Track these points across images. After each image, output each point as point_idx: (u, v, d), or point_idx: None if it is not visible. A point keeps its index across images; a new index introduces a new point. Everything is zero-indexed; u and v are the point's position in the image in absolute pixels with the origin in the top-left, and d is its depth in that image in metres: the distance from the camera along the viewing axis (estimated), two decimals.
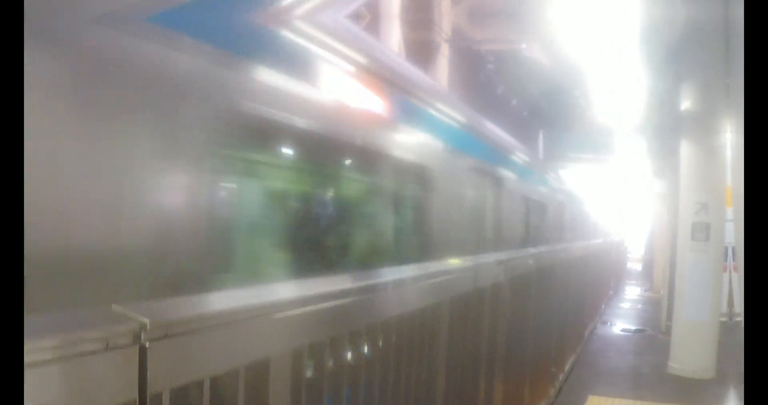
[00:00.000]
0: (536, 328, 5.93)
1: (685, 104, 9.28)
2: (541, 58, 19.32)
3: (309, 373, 2.13)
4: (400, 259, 4.75)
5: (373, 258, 4.57)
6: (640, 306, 18.11)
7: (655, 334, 12.65)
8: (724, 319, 10.60)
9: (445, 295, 3.31)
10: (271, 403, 1.85)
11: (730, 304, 13.15)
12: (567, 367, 8.69)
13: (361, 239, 4.66)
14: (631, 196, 31.93)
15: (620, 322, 14.52)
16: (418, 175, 5.27)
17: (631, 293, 21.83)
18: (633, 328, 13.68)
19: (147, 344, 1.37)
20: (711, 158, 9.02)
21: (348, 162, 4.50)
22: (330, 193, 4.48)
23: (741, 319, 10.79)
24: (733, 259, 11.74)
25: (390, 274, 2.98)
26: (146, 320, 1.38)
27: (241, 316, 1.72)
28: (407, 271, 3.15)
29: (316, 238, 4.21)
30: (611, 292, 18.84)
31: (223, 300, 1.90)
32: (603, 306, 15.73)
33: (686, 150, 9.27)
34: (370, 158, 4.46)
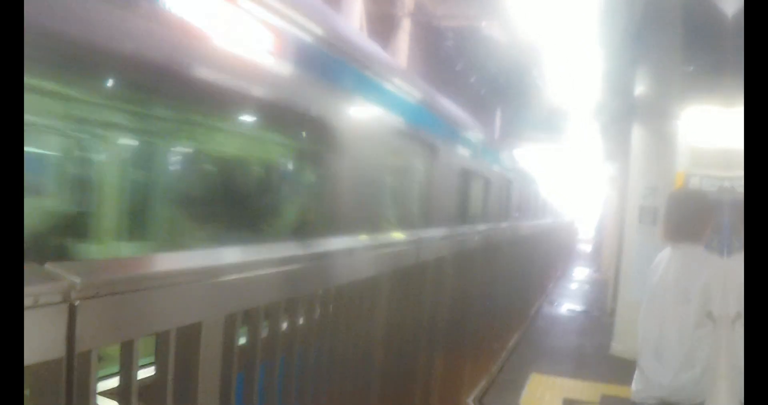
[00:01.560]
0: (480, 305, 5.98)
1: (640, 89, 9.36)
2: (500, 37, 19.33)
3: (243, 340, 2.12)
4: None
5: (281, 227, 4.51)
6: (587, 287, 18.38)
7: (600, 315, 12.83)
8: None
9: (386, 267, 3.32)
10: (202, 368, 1.86)
11: None
12: (511, 345, 8.80)
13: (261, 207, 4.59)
14: (583, 179, 32.28)
15: (567, 302, 14.73)
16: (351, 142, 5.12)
17: (580, 274, 22.14)
18: (579, 308, 13.89)
19: (76, 303, 1.38)
20: (662, 144, 9.14)
21: (273, 125, 4.36)
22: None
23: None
24: None
25: (330, 244, 2.99)
26: (77, 279, 1.40)
27: (174, 279, 1.73)
28: (348, 242, 3.14)
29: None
30: (559, 273, 19.09)
31: (157, 263, 1.93)
32: (550, 286, 15.94)
33: (638, 135, 9.38)
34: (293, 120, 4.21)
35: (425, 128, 6.72)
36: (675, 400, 3.62)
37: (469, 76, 23.70)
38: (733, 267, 3.23)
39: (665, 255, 3.93)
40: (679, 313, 3.63)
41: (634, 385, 3.93)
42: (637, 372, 3.93)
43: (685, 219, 3.83)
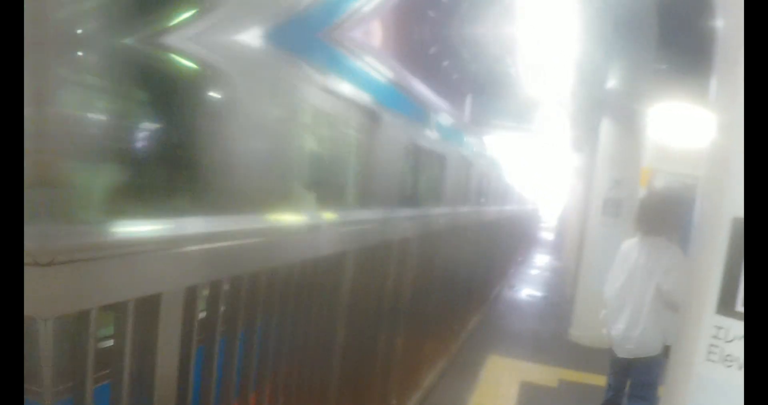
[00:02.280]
0: (442, 286, 6.04)
1: (611, 83, 9.53)
2: (477, 27, 19.38)
3: (204, 313, 2.09)
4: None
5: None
6: (547, 274, 18.61)
7: (559, 301, 13.02)
8: None
9: (352, 244, 3.33)
10: (161, 340, 1.83)
11: None
12: (470, 327, 8.93)
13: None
14: (549, 168, 32.51)
15: (527, 287, 14.92)
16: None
17: (541, 261, 22.36)
18: (539, 294, 14.11)
19: (32, 270, 1.35)
20: (629, 138, 9.32)
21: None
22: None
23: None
24: None
25: (295, 218, 2.97)
26: (33, 246, 1.36)
27: (133, 248, 1.68)
28: (315, 218, 3.16)
29: None
30: (521, 258, 19.29)
31: (116, 231, 1.82)
32: (511, 271, 16.11)
33: (606, 128, 9.56)
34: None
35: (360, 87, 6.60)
36: (629, 350, 5.00)
37: (441, 61, 23.73)
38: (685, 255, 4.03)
39: (633, 243, 5.08)
40: (643, 287, 4.80)
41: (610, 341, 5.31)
42: (608, 330, 5.24)
43: (655, 216, 4.92)
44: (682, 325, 2.75)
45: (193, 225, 2.17)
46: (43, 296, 1.39)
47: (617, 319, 5.03)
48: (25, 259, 1.34)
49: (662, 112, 11.14)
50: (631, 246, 5.11)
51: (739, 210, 2.37)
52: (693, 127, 12.90)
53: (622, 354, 5.13)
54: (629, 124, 9.29)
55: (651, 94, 9.54)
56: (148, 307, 1.78)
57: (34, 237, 1.39)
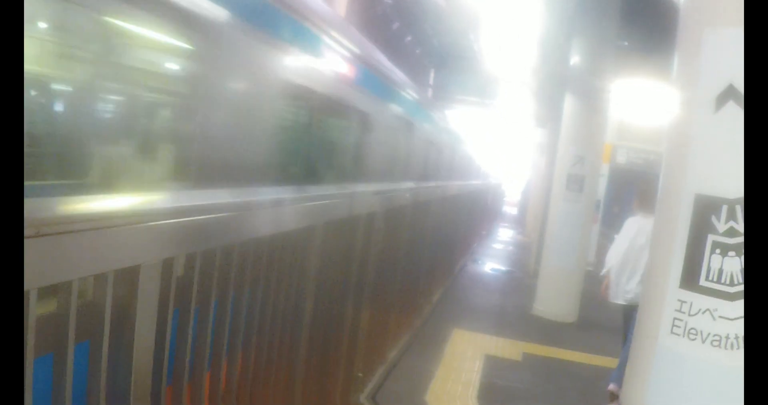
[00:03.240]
0: (407, 260, 6.07)
1: (574, 60, 9.58)
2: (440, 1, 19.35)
3: (179, 284, 2.13)
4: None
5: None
6: (511, 248, 18.75)
7: (523, 276, 13.19)
8: (590, 268, 11.16)
9: (319, 218, 3.35)
10: (139, 310, 1.87)
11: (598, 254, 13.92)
12: (434, 300, 9.01)
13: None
14: (513, 143, 32.71)
15: (491, 261, 15.04)
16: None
17: (504, 235, 22.51)
18: (503, 268, 14.23)
19: None
20: (593, 115, 9.39)
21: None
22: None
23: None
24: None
25: (266, 193, 3.03)
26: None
27: (112, 221, 1.71)
28: (284, 192, 3.19)
29: None
30: (484, 233, 19.42)
31: (95, 204, 1.89)
32: (475, 245, 16.23)
33: (570, 104, 9.62)
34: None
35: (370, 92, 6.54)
36: (629, 299, 6.49)
37: (404, 36, 23.69)
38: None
39: (635, 219, 6.81)
40: (639, 253, 6.41)
41: (610, 293, 6.80)
42: (612, 285, 6.74)
43: (650, 196, 6.09)
44: (646, 299, 2.79)
45: (168, 199, 2.25)
46: (27, 267, 1.38)
47: (620, 277, 6.62)
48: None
49: (625, 88, 11.26)
50: (632, 222, 6.86)
51: (701, 186, 2.42)
52: (655, 104, 13.07)
53: (623, 302, 6.62)
54: (592, 101, 9.37)
55: (613, 70, 9.61)
56: (128, 278, 1.82)
57: None
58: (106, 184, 2.63)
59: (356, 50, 6.16)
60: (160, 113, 3.96)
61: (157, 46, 3.21)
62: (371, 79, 7.09)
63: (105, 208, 1.82)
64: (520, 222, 25.63)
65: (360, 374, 4.91)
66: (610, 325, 9.05)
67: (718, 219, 2.37)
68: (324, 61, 5.36)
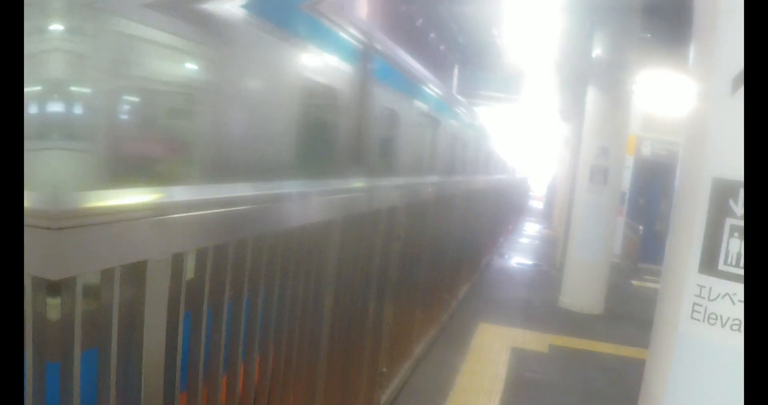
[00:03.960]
0: (431, 255, 6.05)
1: (597, 52, 9.55)
2: None
3: (191, 281, 2.09)
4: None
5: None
6: (537, 242, 18.72)
7: (549, 269, 13.17)
8: (616, 260, 11.12)
9: (338, 213, 3.31)
10: (147, 307, 1.82)
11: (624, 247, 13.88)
12: (460, 295, 9.00)
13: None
14: (538, 138, 32.58)
15: (517, 255, 15.04)
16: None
17: (531, 230, 22.45)
18: (529, 262, 14.22)
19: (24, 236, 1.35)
20: (616, 107, 9.36)
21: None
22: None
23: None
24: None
25: (283, 186, 2.94)
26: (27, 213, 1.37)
27: (119, 215, 1.68)
28: (302, 185, 3.10)
29: None
30: (511, 227, 19.36)
31: (100, 198, 1.78)
32: (501, 239, 16.17)
33: (593, 97, 9.58)
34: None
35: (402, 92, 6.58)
36: None
37: (428, 33, 23.64)
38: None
39: None
40: None
41: None
42: None
43: None
44: (665, 285, 2.80)
45: (180, 193, 2.17)
46: (33, 262, 1.40)
47: None
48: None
49: (648, 80, 11.20)
50: None
51: (718, 170, 2.42)
52: (678, 95, 12.97)
53: None
54: (615, 93, 9.33)
55: (636, 62, 9.57)
56: (135, 274, 1.78)
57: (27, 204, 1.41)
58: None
59: (381, 48, 6.20)
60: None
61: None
62: (396, 76, 7.12)
63: (115, 202, 1.74)
64: (546, 216, 25.53)
65: (384, 369, 4.91)
66: (637, 316, 9.02)
67: (736, 202, 2.37)
68: (349, 59, 5.41)
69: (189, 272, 2.06)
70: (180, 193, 2.14)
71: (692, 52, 2.72)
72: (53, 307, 1.56)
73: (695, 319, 2.52)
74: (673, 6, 9.12)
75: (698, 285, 2.50)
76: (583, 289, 9.47)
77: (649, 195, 15.32)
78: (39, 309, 1.47)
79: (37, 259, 1.44)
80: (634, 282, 12.57)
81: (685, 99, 2.84)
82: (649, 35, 10.51)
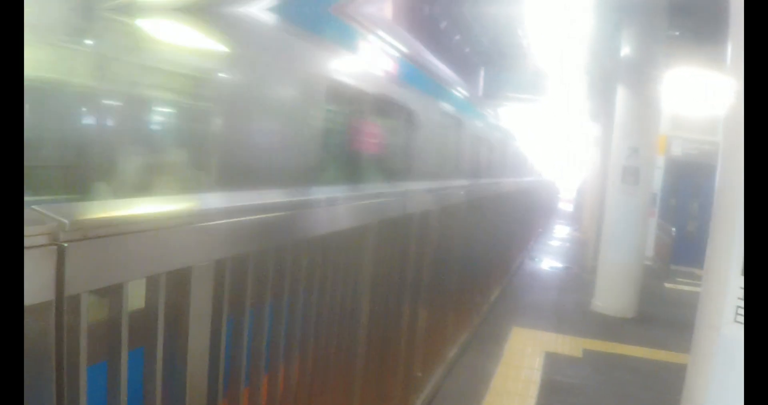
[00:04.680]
0: (463, 258, 6.03)
1: (625, 51, 9.46)
2: None
3: (232, 286, 2.11)
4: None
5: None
6: (568, 245, 18.59)
7: (581, 272, 13.05)
8: (648, 262, 11.01)
9: (373, 217, 3.32)
10: (192, 313, 1.85)
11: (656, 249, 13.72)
12: (492, 299, 8.95)
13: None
14: (566, 139, 32.39)
15: (548, 258, 14.94)
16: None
17: (561, 232, 22.33)
18: (560, 265, 14.12)
19: (65, 245, 1.35)
20: (645, 106, 9.26)
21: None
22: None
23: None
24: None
25: (319, 192, 2.97)
26: (65, 221, 1.37)
27: (163, 222, 1.70)
28: (337, 191, 3.14)
29: None
30: (541, 230, 19.27)
31: (145, 206, 1.85)
32: (532, 242, 16.10)
33: (622, 95, 9.48)
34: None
35: (432, 95, 6.65)
36: None
37: (453, 34, 23.60)
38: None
39: None
40: None
41: None
42: None
43: None
44: (707, 288, 2.75)
45: (218, 200, 2.21)
46: (76, 271, 1.39)
47: None
48: (60, 236, 1.35)
49: (677, 78, 11.08)
50: None
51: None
52: (708, 93, 12.84)
53: None
54: (645, 92, 9.23)
55: (665, 61, 9.47)
56: (179, 280, 1.80)
57: (65, 212, 1.41)
58: None
59: (409, 52, 6.24)
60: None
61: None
62: (424, 80, 7.14)
63: (153, 210, 1.77)
64: (576, 218, 25.38)
65: (419, 374, 4.90)
66: (670, 319, 8.92)
67: None
68: (377, 62, 5.45)
69: (230, 277, 2.07)
70: (220, 200, 2.18)
71: (729, 50, 2.67)
72: (102, 310, 1.59)
73: (738, 322, 2.47)
74: (700, 3, 9.04)
75: (741, 287, 2.45)
76: (615, 292, 9.38)
77: (681, 195, 15.16)
78: (75, 322, 1.46)
79: (89, 269, 1.45)
80: (667, 284, 12.43)
81: (714, 97, 2.78)
82: (677, 33, 10.42)
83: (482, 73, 28.63)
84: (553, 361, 6.83)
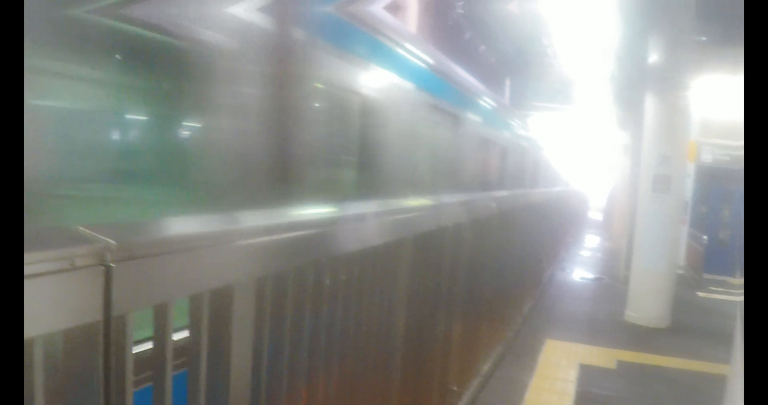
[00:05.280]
0: (495, 271, 6.02)
1: (653, 58, 9.38)
2: (511, 6, 19.24)
3: (272, 302, 2.14)
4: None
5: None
6: (598, 255, 18.44)
7: (612, 282, 12.95)
8: (680, 271, 10.89)
9: (408, 231, 3.34)
10: (234, 330, 1.87)
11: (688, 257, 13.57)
12: (525, 311, 8.90)
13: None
14: (595, 147, 32.22)
15: (579, 269, 14.84)
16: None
17: (592, 242, 22.18)
18: (591, 275, 13.99)
19: (113, 265, 1.37)
20: (675, 112, 9.17)
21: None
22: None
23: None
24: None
25: (355, 208, 2.98)
26: (112, 241, 1.38)
27: (206, 241, 1.72)
28: (372, 207, 3.14)
29: None
30: (571, 240, 19.14)
31: (188, 225, 1.89)
32: (563, 253, 16.00)
33: (651, 103, 9.40)
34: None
35: (459, 106, 6.77)
36: None
37: (479, 44, 23.62)
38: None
39: None
40: None
41: None
42: None
43: None
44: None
45: (257, 218, 2.24)
46: (123, 291, 1.41)
47: None
48: (107, 256, 1.36)
49: (706, 84, 10.97)
50: None
51: None
52: (738, 98, 12.71)
53: None
54: (674, 99, 9.15)
55: (693, 66, 9.37)
56: (222, 298, 1.83)
57: (112, 233, 1.42)
58: None
59: (434, 63, 6.30)
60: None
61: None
62: (453, 92, 7.16)
63: (196, 229, 1.81)
64: (606, 227, 25.21)
65: (454, 388, 4.88)
66: (705, 328, 8.82)
67: None
68: (406, 76, 5.50)
69: (270, 294, 2.11)
70: (259, 218, 2.22)
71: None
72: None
73: None
74: (727, 7, 8.96)
75: None
76: (648, 302, 9.28)
77: (712, 203, 14.98)
78: (121, 342, 1.48)
79: (135, 288, 1.48)
80: (700, 293, 12.29)
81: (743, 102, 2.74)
82: (704, 38, 10.33)
83: (508, 82, 28.62)
84: (587, 373, 6.77)
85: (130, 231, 1.57)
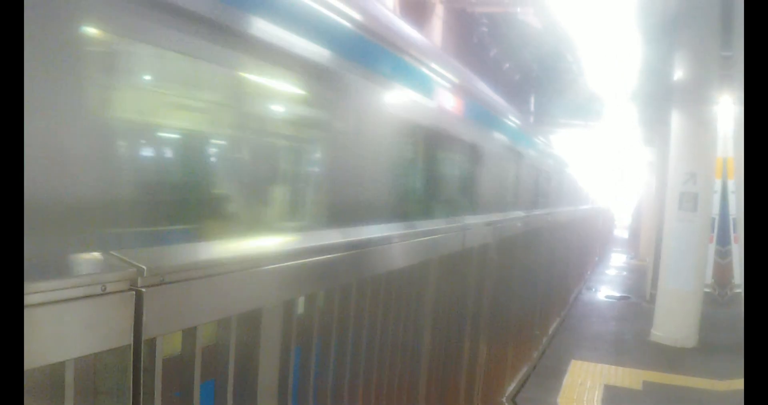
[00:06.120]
0: (521, 291, 6.00)
1: (678, 74, 9.28)
2: (535, 23, 19.22)
3: (299, 325, 2.17)
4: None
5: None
6: (625, 273, 18.27)
7: (639, 301, 12.80)
8: (707, 289, 10.72)
9: (434, 253, 3.35)
10: (262, 354, 1.90)
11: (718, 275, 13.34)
12: (551, 331, 8.82)
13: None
14: (620, 164, 32.03)
15: (605, 288, 14.69)
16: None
17: (617, 260, 22.00)
18: (617, 294, 13.84)
19: (143, 290, 1.40)
20: (702, 129, 9.06)
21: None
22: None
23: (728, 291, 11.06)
24: (734, 231, 11.99)
25: (381, 230, 3.00)
26: (143, 266, 1.41)
27: (235, 266, 1.75)
28: (398, 229, 3.18)
29: None
30: (597, 259, 18.99)
31: (217, 250, 1.93)
32: (588, 272, 15.87)
33: (677, 120, 9.30)
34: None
35: (486, 125, 6.96)
36: None
37: (503, 62, 23.60)
38: None
39: None
40: None
41: None
42: None
43: None
44: None
45: (285, 242, 2.30)
46: (153, 315, 1.44)
47: None
48: (138, 282, 1.40)
49: (733, 100, 10.81)
50: None
51: None
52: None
53: None
54: (700, 115, 9.04)
55: (719, 82, 9.25)
56: (250, 322, 1.86)
57: (143, 258, 1.46)
58: None
59: (459, 82, 6.34)
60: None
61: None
62: (477, 110, 7.17)
63: (224, 254, 1.83)
64: (632, 245, 24.98)
65: None
66: (733, 347, 8.65)
67: None
68: (430, 95, 5.53)
69: (298, 317, 2.15)
70: (287, 243, 2.28)
71: None
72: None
73: None
74: None
75: None
76: (675, 321, 9.14)
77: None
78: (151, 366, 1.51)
79: (165, 313, 1.51)
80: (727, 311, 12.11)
81: None
82: (731, 53, 10.21)
83: (533, 99, 28.57)
84: (612, 394, 6.68)
85: (160, 256, 1.61)
